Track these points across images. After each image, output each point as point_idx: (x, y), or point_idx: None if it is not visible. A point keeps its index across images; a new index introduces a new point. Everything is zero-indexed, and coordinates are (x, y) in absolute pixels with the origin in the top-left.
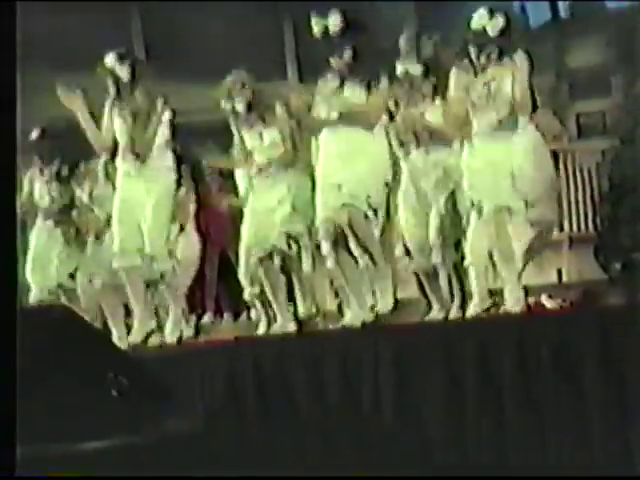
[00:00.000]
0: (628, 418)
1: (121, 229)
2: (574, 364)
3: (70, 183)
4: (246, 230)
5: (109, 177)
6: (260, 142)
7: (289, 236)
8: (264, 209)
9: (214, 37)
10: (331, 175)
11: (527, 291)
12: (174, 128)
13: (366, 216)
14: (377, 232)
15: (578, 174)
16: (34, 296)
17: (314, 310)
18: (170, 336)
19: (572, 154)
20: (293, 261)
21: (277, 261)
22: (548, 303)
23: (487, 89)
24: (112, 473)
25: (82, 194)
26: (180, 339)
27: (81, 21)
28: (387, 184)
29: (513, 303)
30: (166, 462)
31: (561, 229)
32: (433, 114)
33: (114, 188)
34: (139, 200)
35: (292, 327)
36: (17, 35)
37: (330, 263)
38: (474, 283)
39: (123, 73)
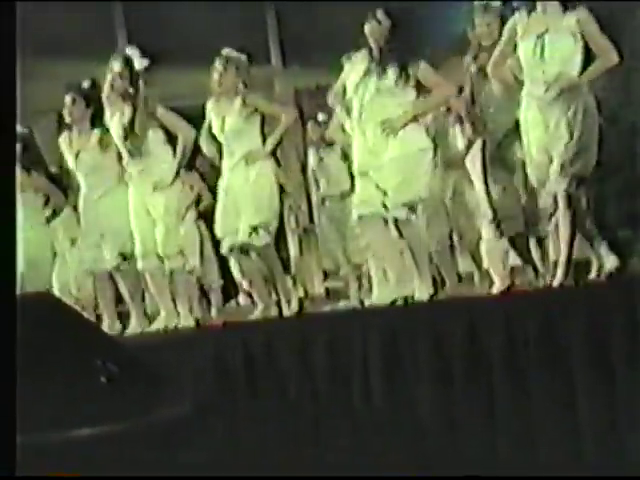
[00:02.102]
0: (616, 396)
1: (139, 233)
2: (562, 341)
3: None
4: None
5: None
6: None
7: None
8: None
9: (198, 23)
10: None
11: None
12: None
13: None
14: None
15: None
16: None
17: (302, 294)
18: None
19: None
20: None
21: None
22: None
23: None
24: (111, 460)
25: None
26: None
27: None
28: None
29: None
30: (159, 447)
31: None
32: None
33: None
34: (148, 201)
35: (294, 309)
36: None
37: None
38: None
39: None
